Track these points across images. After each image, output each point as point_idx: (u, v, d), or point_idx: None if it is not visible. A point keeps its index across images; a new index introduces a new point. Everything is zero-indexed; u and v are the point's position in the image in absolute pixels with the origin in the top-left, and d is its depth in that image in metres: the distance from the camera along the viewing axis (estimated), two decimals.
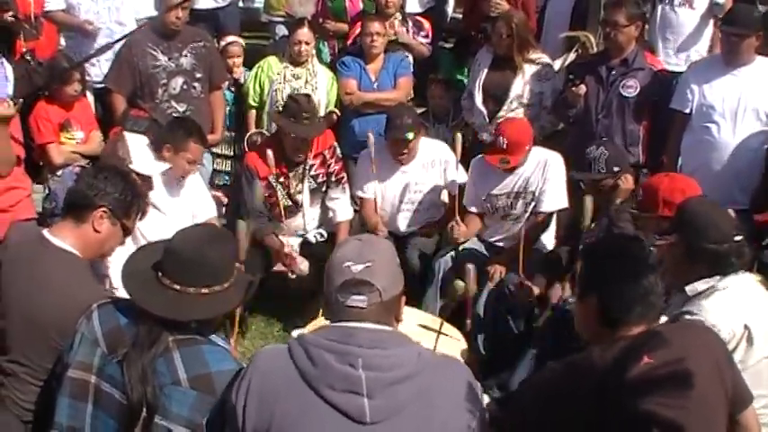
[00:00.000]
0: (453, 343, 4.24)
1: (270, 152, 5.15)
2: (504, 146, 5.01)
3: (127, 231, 3.20)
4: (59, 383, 2.67)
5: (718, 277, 3.16)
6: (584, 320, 2.68)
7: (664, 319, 3.01)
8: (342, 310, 2.32)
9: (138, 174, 4.15)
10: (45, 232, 3.09)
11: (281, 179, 5.29)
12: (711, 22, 6.42)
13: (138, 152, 4.31)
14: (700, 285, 3.16)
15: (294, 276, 5.14)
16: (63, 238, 3.05)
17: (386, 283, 2.34)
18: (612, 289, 2.57)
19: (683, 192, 3.81)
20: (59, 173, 5.57)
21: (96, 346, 2.60)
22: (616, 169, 4.58)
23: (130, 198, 3.15)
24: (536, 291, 4.83)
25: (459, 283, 4.59)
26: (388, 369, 2.25)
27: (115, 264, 3.76)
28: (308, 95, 5.48)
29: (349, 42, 6.69)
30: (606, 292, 2.58)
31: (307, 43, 6.12)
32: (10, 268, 3.07)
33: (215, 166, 6.31)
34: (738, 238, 3.19)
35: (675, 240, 3.26)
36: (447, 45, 7.81)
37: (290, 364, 2.28)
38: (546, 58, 6.03)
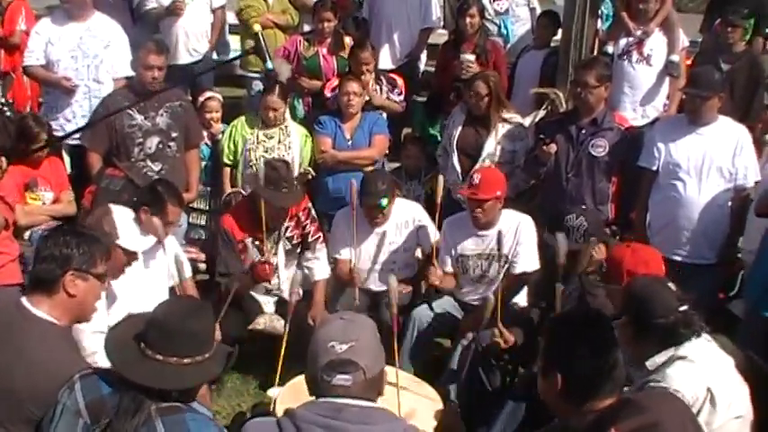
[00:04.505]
0: (427, 402, 4.28)
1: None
2: (477, 181, 5.14)
3: (101, 278, 3.13)
4: None
5: (673, 348, 3.22)
6: (549, 395, 2.72)
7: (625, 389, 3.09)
8: (328, 389, 2.38)
9: (123, 248, 4.17)
10: (23, 300, 3.04)
11: (256, 242, 5.32)
12: (668, 79, 6.54)
13: (125, 227, 4.26)
14: (659, 358, 3.23)
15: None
16: (40, 306, 3.00)
17: (369, 361, 2.41)
18: (577, 370, 2.62)
19: (647, 263, 3.88)
20: (26, 235, 5.42)
21: (78, 416, 2.63)
22: (592, 240, 4.63)
23: (89, 248, 3.08)
24: (510, 339, 4.82)
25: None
26: None
27: (90, 329, 3.78)
28: (285, 162, 5.52)
29: (327, 93, 6.67)
30: (570, 373, 2.63)
31: (275, 110, 6.11)
32: None
33: (190, 220, 6.27)
34: (683, 308, 3.26)
35: (625, 321, 3.30)
36: (419, 98, 7.88)
37: None
38: (518, 118, 6.12)
